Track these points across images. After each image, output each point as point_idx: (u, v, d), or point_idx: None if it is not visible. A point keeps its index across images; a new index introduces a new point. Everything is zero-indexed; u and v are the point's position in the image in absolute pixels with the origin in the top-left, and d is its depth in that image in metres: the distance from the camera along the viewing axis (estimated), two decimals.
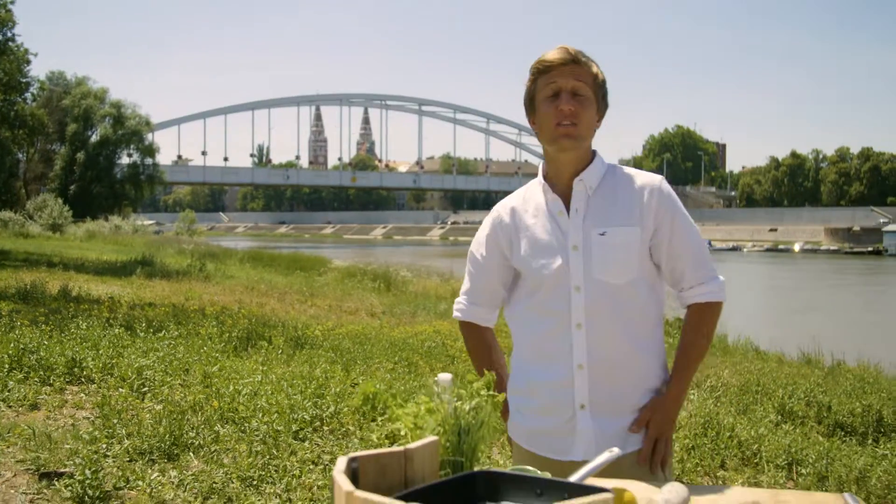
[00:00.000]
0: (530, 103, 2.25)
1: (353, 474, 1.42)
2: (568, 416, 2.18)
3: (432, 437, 1.56)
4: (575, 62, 2.17)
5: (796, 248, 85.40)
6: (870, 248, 79.40)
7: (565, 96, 2.15)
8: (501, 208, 2.36)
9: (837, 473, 4.68)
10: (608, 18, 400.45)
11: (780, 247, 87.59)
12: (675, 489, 1.67)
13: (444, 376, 1.70)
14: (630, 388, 2.21)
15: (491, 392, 1.78)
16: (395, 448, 1.49)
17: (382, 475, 1.46)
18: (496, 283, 2.37)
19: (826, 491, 3.75)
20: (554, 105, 2.16)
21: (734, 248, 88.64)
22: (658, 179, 2.25)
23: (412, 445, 1.51)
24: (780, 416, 6.51)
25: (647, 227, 2.18)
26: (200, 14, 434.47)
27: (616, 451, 1.73)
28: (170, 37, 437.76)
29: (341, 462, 1.39)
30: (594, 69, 2.21)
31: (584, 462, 1.70)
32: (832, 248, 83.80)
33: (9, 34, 27.95)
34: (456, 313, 2.48)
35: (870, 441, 5.74)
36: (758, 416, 6.44)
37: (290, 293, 17.53)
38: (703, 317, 2.25)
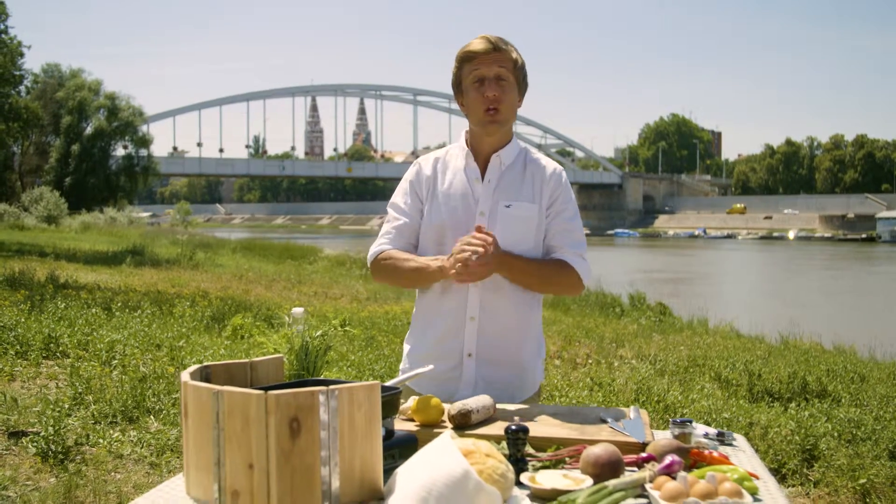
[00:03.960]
0: (458, 88, 2.54)
1: (207, 378, 1.82)
2: (455, 363, 2.48)
3: (278, 355, 1.97)
4: (496, 50, 2.43)
5: (791, 235, 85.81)
6: (863, 235, 79.86)
7: (489, 83, 2.42)
8: (423, 161, 2.64)
9: (745, 429, 5.09)
10: (605, 7, 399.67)
11: (775, 234, 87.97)
12: (479, 398, 2.06)
13: (297, 310, 2.10)
14: (512, 342, 2.50)
15: (346, 328, 2.17)
16: (242, 360, 1.89)
17: (230, 380, 1.85)
18: (417, 228, 2.56)
19: None
20: (480, 92, 2.43)
21: (729, 236, 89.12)
22: (560, 168, 2.58)
23: (257, 359, 1.91)
24: (715, 385, 6.92)
25: (544, 205, 2.50)
26: (195, 5, 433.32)
27: (430, 366, 2.13)
28: (164, 29, 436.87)
29: (192, 368, 1.79)
30: (514, 55, 2.47)
31: None
32: (826, 235, 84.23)
33: (1, 27, 28.23)
34: (377, 249, 2.53)
35: (792, 405, 6.13)
36: (695, 384, 6.84)
37: (278, 281, 17.88)
38: (559, 265, 2.47)
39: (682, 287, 28.08)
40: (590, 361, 8.17)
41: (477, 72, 2.43)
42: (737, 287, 30.75)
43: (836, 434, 5.06)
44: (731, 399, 6.25)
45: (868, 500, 4.26)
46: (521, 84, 2.49)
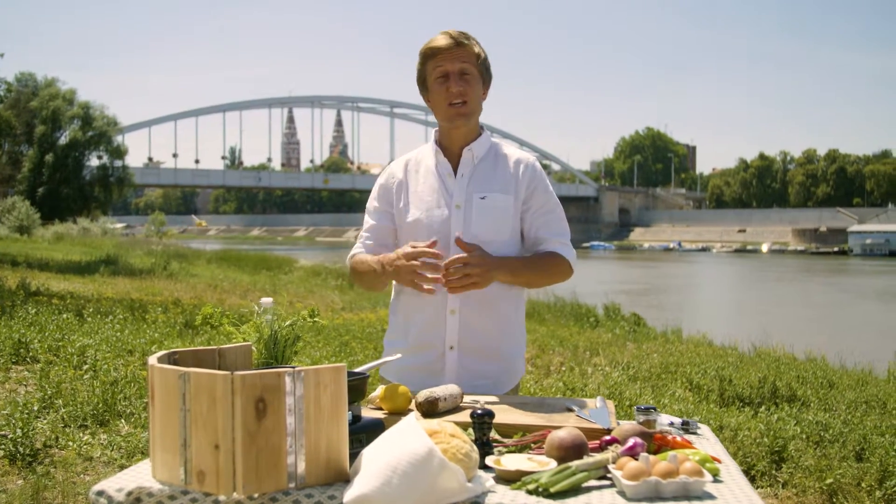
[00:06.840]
0: (423, 84, 2.56)
1: (174, 363, 1.82)
2: (438, 355, 2.49)
3: (246, 343, 1.97)
4: (459, 45, 2.46)
5: (764, 248, 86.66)
6: (835, 249, 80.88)
7: (454, 78, 2.45)
8: (395, 165, 2.66)
9: (714, 432, 5.14)
10: (581, 21, 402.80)
11: (749, 247, 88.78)
12: (447, 387, 2.08)
13: (266, 300, 2.10)
14: (494, 335, 2.52)
15: (315, 319, 2.18)
16: (210, 347, 1.90)
17: (198, 366, 1.85)
18: (389, 230, 2.61)
19: None
20: (445, 87, 2.47)
21: (703, 249, 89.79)
22: (533, 158, 2.61)
23: (225, 346, 1.92)
24: (687, 390, 6.98)
25: (520, 196, 2.52)
26: (171, 16, 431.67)
27: (398, 355, 2.14)
28: (140, 40, 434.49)
29: (161, 353, 1.79)
30: (476, 49, 2.50)
31: None
32: (799, 248, 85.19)
33: None
34: (350, 253, 2.63)
35: (762, 409, 6.19)
36: (667, 390, 6.89)
37: (252, 290, 17.78)
38: (551, 257, 2.51)
39: (657, 299, 28.23)
40: (563, 369, 8.20)
41: (441, 68, 2.46)
42: (710, 299, 31.01)
43: (804, 436, 5.13)
44: (702, 403, 6.31)
45: (835, 499, 4.32)
46: (485, 77, 2.54)
